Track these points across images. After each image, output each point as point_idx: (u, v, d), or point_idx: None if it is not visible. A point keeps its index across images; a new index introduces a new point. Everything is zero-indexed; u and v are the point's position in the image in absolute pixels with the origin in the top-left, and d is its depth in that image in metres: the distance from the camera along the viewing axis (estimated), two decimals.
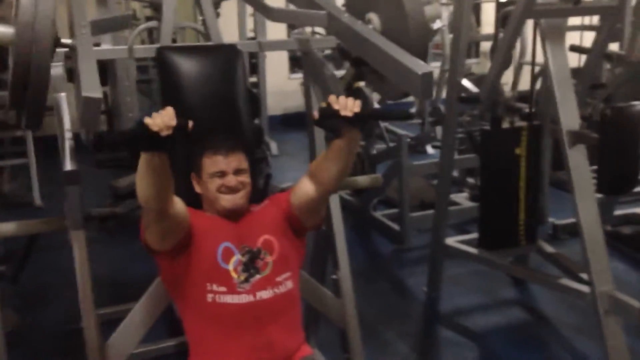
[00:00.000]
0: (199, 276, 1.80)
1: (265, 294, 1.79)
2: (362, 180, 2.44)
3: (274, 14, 2.23)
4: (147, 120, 1.49)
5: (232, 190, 1.86)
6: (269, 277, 1.82)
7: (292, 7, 2.37)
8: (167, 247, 1.80)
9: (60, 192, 2.02)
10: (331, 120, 1.66)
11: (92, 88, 1.55)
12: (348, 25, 1.81)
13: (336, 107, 1.64)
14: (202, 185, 1.91)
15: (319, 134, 2.47)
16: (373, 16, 1.93)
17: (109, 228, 4.22)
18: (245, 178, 1.90)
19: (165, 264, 1.87)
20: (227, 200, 1.86)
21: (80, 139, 2.00)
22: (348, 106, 1.64)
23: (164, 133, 1.49)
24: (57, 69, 1.98)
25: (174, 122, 1.50)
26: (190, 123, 1.54)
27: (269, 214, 1.94)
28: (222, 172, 1.86)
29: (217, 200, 1.87)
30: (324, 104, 1.67)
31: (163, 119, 1.49)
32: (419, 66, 1.63)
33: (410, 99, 5.25)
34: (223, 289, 1.78)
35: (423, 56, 1.83)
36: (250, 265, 1.81)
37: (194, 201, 1.95)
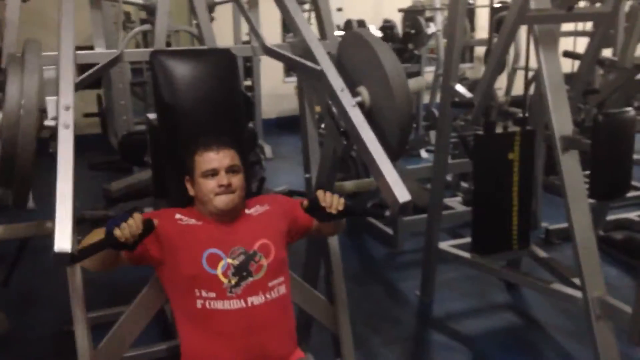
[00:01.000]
0: (187, 283, 1.79)
1: (256, 300, 1.79)
2: (355, 184, 2.45)
3: (271, 52, 2.23)
4: (116, 233, 1.57)
5: (225, 190, 1.85)
6: (262, 282, 1.81)
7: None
8: (136, 264, 1.82)
9: (53, 195, 2.01)
10: (318, 213, 1.86)
11: (64, 239, 1.48)
12: (341, 103, 1.86)
13: (323, 204, 1.82)
14: (195, 186, 1.90)
15: (313, 138, 2.47)
16: (363, 90, 2.00)
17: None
18: (239, 180, 1.89)
19: (157, 269, 1.88)
20: (221, 201, 1.85)
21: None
22: (333, 205, 1.81)
23: (131, 241, 1.60)
24: (49, 72, 1.97)
25: (140, 231, 1.60)
26: (156, 222, 1.64)
27: (270, 218, 1.94)
28: (215, 169, 1.86)
29: (211, 202, 1.86)
30: (312, 198, 1.86)
31: (131, 231, 1.58)
32: (400, 193, 1.67)
33: None
34: (212, 294, 1.77)
35: (408, 125, 1.95)
36: (243, 268, 1.81)
37: (187, 205, 1.94)
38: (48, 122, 1.82)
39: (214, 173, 1.86)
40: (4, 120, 1.71)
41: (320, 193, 1.84)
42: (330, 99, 1.98)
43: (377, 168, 1.72)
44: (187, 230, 1.86)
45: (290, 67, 2.34)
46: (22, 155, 1.73)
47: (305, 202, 1.87)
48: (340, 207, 1.82)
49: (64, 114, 1.69)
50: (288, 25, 2.37)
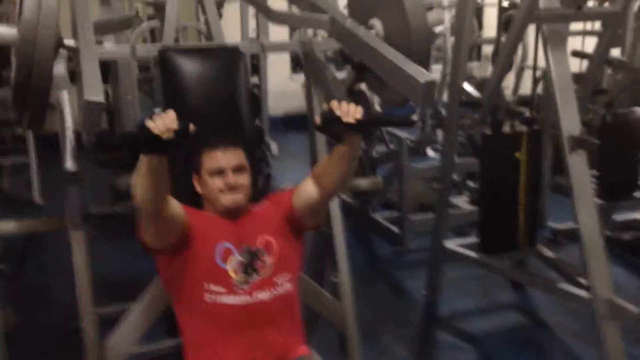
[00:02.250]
0: (197, 276, 1.79)
1: (263, 296, 1.79)
2: (363, 182, 2.46)
3: (276, 17, 2.23)
4: (149, 123, 1.47)
5: (232, 189, 1.86)
6: (268, 279, 1.82)
7: (294, 9, 2.37)
8: (164, 246, 1.79)
9: (61, 191, 2.02)
10: (333, 126, 1.65)
11: (95, 91, 1.55)
12: (350, 31, 1.80)
13: (338, 113, 1.63)
14: (202, 184, 1.91)
15: (320, 135, 2.47)
16: (376, 22, 1.92)
17: (109, 227, 4.22)
18: (245, 179, 1.90)
19: (164, 262, 1.86)
20: (228, 200, 1.86)
21: (82, 138, 2.00)
22: (350, 112, 1.62)
23: (165, 136, 1.47)
24: (59, 67, 1.98)
25: (175, 126, 1.48)
26: (192, 127, 1.52)
27: (268, 214, 1.94)
28: (221, 169, 1.86)
29: (218, 200, 1.87)
30: (325, 106, 1.67)
31: (165, 122, 1.47)
32: (420, 74, 1.62)
33: (412, 103, 5.25)
34: (221, 289, 1.77)
35: (425, 62, 1.82)
36: (250, 266, 1.81)
37: (195, 202, 1.95)
38: (68, 41, 1.78)
39: (220, 172, 1.87)
40: (20, 32, 1.61)
41: (333, 102, 1.65)
42: (342, 42, 1.90)
43: (392, 63, 1.64)
44: (206, 218, 1.87)
45: (299, 27, 2.28)
46: (39, 73, 1.63)
47: (317, 118, 1.67)
48: (358, 115, 1.62)
49: (84, 30, 1.69)
50: None
